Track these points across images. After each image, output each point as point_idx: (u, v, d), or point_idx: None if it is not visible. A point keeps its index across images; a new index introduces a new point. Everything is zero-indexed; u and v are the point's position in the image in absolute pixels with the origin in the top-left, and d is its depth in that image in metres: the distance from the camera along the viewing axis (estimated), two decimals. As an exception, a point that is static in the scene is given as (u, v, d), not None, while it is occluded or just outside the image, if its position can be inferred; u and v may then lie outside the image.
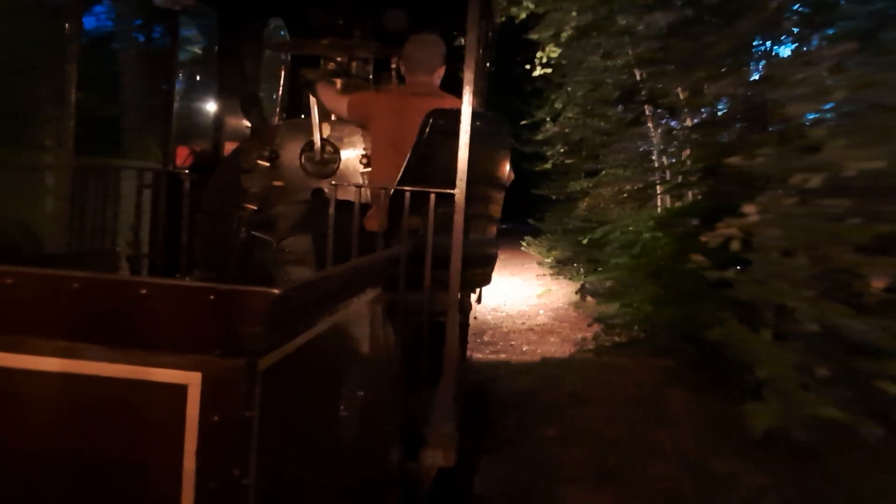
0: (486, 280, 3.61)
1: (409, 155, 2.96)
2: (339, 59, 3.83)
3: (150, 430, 1.30)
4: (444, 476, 2.78)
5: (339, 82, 3.79)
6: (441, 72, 3.36)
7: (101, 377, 1.29)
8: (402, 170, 2.95)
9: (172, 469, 1.28)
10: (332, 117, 3.76)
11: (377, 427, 2.21)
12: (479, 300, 4.47)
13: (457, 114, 2.71)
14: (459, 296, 2.80)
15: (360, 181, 3.60)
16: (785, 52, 6.46)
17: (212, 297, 1.28)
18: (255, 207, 3.74)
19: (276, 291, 1.28)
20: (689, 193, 8.34)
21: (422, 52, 3.31)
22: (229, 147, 4.05)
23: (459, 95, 2.73)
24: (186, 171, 3.58)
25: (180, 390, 1.28)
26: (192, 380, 1.28)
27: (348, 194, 3.03)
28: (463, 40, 3.31)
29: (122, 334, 1.30)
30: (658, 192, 9.96)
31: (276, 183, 3.80)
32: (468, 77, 2.72)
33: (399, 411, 2.50)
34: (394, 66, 3.87)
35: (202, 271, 3.55)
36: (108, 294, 1.31)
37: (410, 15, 3.68)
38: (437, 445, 2.66)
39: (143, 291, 1.29)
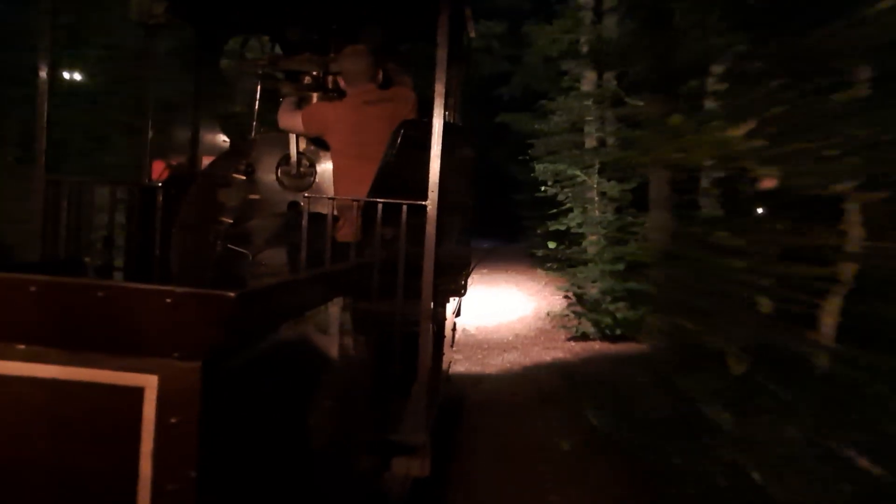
0: (460, 291, 3.63)
1: (378, 165, 3.00)
2: (314, 73, 3.87)
3: (108, 431, 1.30)
4: (419, 484, 2.79)
5: (314, 96, 3.82)
6: (380, 76, 3.43)
7: (58, 380, 1.30)
8: (370, 181, 2.98)
9: (129, 470, 1.28)
10: None
11: (346, 434, 2.21)
12: (457, 313, 4.49)
13: (428, 125, 2.75)
14: (432, 305, 2.82)
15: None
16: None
17: (169, 300, 1.30)
18: (231, 221, 3.75)
19: (232, 295, 1.29)
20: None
21: (358, 63, 3.39)
22: (206, 161, 4.06)
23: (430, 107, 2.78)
24: (160, 185, 3.59)
25: (137, 392, 1.29)
26: (149, 382, 1.29)
27: (323, 207, 3.05)
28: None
29: (80, 337, 1.31)
30: None
31: (253, 196, 3.82)
32: (439, 90, 2.77)
33: (370, 420, 2.51)
34: None
35: (177, 284, 3.54)
36: (65, 297, 1.32)
37: (385, 30, 3.72)
38: (411, 454, 2.67)
39: (101, 294, 1.30)
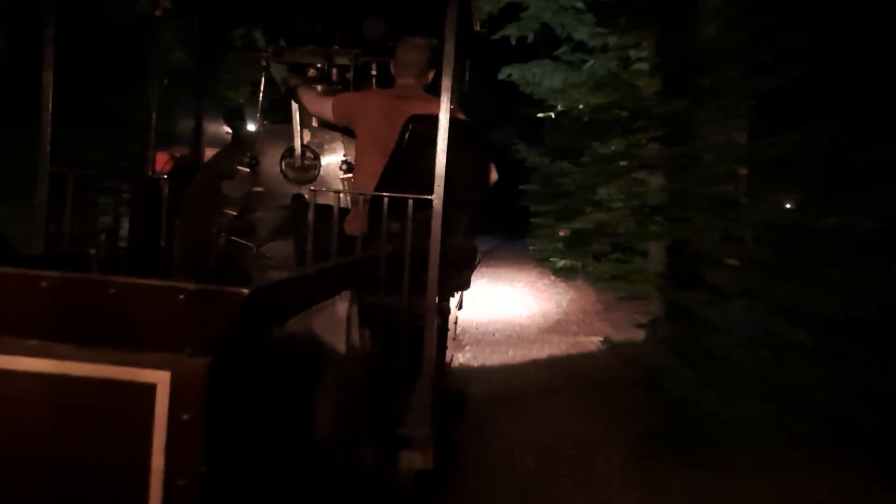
0: (465, 285, 3.64)
1: (388, 159, 2.99)
2: (319, 65, 3.86)
3: (119, 428, 1.30)
4: (423, 478, 2.79)
5: (319, 89, 3.81)
6: (430, 75, 3.40)
7: (69, 376, 1.30)
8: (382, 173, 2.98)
9: (141, 466, 1.28)
10: (314, 122, 3.78)
11: (352, 428, 2.22)
12: (459, 306, 4.50)
13: (436, 119, 2.74)
14: (437, 299, 2.82)
15: (341, 188, 3.62)
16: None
17: (181, 295, 1.29)
18: (235, 213, 3.75)
19: (245, 290, 1.29)
20: None
21: (410, 55, 3.36)
22: (210, 153, 4.06)
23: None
24: (165, 177, 3.58)
25: (149, 389, 1.29)
26: (161, 378, 1.29)
27: (328, 199, 3.05)
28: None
29: (91, 333, 1.30)
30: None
31: (257, 189, 3.81)
32: (446, 84, 2.76)
33: (376, 413, 2.51)
34: (374, 72, 3.91)
35: (182, 277, 3.54)
36: (76, 293, 1.32)
37: (390, 22, 3.71)
38: (415, 448, 2.68)
39: (113, 290, 1.30)
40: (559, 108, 8.85)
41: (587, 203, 8.35)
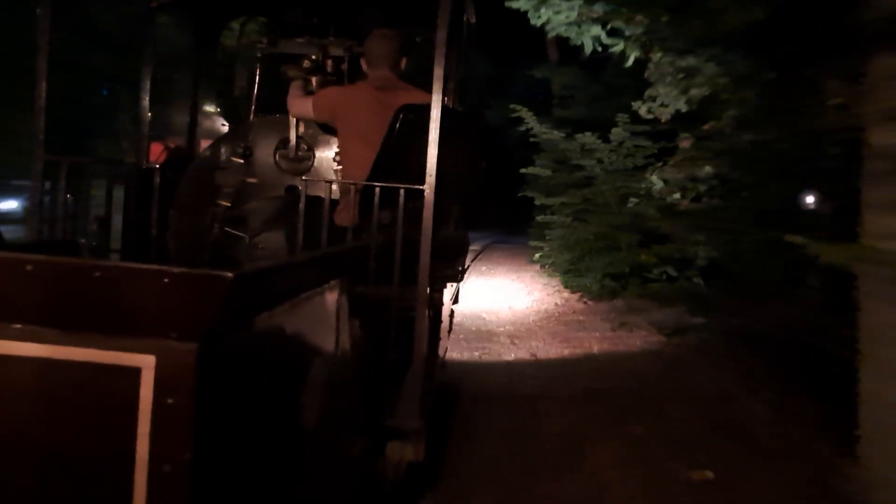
0: (456, 276, 3.64)
1: (378, 149, 2.99)
2: (313, 57, 3.86)
3: (104, 412, 1.31)
4: (413, 470, 2.80)
5: (314, 80, 3.81)
6: (402, 64, 3.41)
7: (54, 360, 1.30)
8: (371, 164, 2.98)
9: (126, 451, 1.29)
10: None
11: (341, 417, 2.22)
12: (455, 300, 4.50)
13: (427, 109, 2.73)
14: (428, 290, 2.82)
15: (335, 179, 3.62)
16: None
17: (166, 280, 1.30)
18: (229, 204, 3.75)
19: (229, 275, 1.29)
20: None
21: (383, 46, 3.37)
22: (204, 144, 4.05)
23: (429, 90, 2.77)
24: (157, 167, 3.58)
25: (134, 373, 1.29)
26: (146, 363, 1.29)
27: (321, 190, 3.05)
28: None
29: (76, 317, 1.31)
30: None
31: (250, 180, 3.82)
32: (438, 74, 2.75)
33: (366, 404, 2.51)
34: None
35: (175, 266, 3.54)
36: (61, 277, 1.32)
37: (384, 13, 3.71)
38: (406, 439, 2.68)
39: (98, 274, 1.30)
40: (594, 43, 5.70)
41: (626, 194, 5.93)
